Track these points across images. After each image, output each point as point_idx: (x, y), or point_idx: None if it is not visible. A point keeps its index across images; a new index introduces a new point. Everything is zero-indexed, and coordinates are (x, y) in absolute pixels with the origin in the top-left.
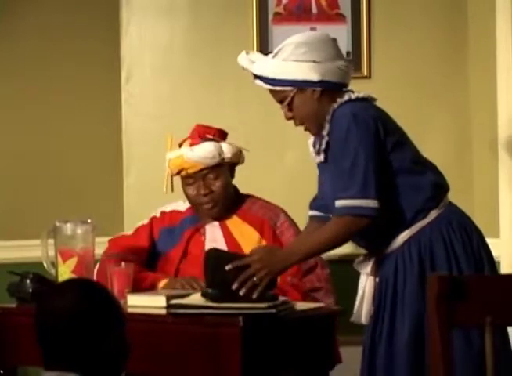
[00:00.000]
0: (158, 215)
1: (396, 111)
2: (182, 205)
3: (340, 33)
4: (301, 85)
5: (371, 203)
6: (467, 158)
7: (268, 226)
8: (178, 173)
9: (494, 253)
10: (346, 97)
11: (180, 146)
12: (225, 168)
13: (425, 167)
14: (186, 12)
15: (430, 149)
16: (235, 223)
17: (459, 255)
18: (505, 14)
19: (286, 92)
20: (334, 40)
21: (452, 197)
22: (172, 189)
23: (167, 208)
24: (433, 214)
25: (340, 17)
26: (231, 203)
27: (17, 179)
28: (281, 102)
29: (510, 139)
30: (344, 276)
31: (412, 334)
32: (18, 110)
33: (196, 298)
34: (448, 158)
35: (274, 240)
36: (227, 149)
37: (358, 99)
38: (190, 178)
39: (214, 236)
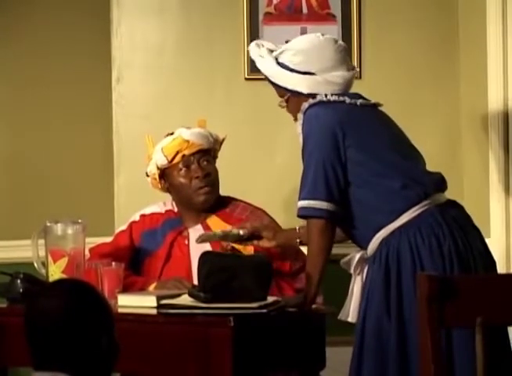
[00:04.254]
0: (137, 218)
1: (387, 111)
2: (163, 207)
3: (331, 33)
4: (292, 94)
5: (318, 204)
6: (458, 158)
7: (263, 220)
8: (172, 160)
9: None
10: (318, 98)
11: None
12: (214, 155)
13: (398, 170)
14: (177, 13)
15: (420, 149)
16: (218, 226)
17: (424, 262)
18: (496, 24)
19: (283, 92)
20: (339, 46)
21: None
22: (165, 186)
23: (147, 211)
24: (404, 218)
25: (330, 17)
26: (215, 203)
27: (7, 180)
28: (279, 95)
29: (500, 138)
30: (333, 275)
31: (376, 337)
32: (8, 112)
33: (186, 298)
34: (439, 158)
35: None
36: (214, 134)
37: (329, 102)
38: (184, 162)
39: None
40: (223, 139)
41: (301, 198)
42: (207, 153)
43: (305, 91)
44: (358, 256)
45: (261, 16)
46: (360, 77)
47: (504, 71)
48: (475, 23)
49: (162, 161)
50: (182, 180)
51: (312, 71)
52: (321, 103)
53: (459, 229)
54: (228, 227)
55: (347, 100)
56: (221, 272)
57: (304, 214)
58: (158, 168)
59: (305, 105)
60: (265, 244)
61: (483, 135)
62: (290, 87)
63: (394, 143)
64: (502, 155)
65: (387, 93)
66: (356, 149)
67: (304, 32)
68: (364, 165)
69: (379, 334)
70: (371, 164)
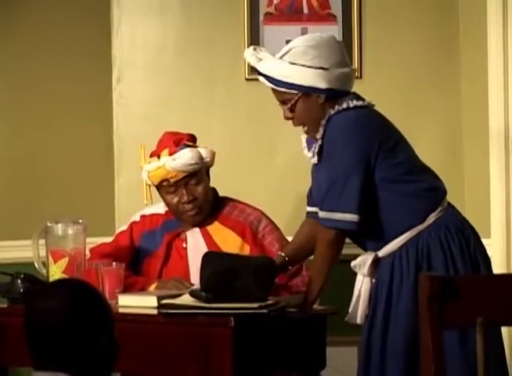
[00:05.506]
0: (138, 219)
1: (387, 111)
2: (163, 208)
3: (331, 33)
4: (307, 91)
5: (348, 217)
6: (458, 159)
7: (249, 231)
8: (159, 184)
9: None
10: (344, 105)
11: (151, 156)
12: (204, 172)
13: (422, 171)
14: (178, 13)
15: (421, 150)
16: (216, 229)
17: (456, 258)
18: (497, 24)
19: (291, 95)
20: (341, 44)
21: None
22: (152, 201)
23: (147, 212)
24: (431, 218)
25: (331, 17)
26: (211, 207)
27: (8, 180)
28: (283, 102)
29: (501, 139)
30: (335, 277)
31: (407, 337)
32: (9, 112)
33: (187, 298)
34: (440, 159)
35: (256, 244)
36: (205, 153)
37: (356, 107)
38: (171, 187)
39: (195, 243)
40: (213, 155)
41: (329, 209)
42: (195, 175)
43: (324, 86)
44: (371, 258)
45: (261, 16)
46: (361, 77)
47: (505, 71)
48: (476, 23)
49: (150, 183)
50: (170, 201)
51: (326, 66)
52: (349, 109)
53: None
54: (226, 231)
55: (370, 105)
56: (224, 273)
57: (332, 226)
58: (147, 183)
59: (331, 111)
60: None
61: (483, 136)
62: (307, 83)
63: (407, 143)
64: (502, 155)
65: (387, 93)
66: (387, 154)
67: (304, 32)
68: (394, 169)
69: (411, 334)
70: (401, 166)
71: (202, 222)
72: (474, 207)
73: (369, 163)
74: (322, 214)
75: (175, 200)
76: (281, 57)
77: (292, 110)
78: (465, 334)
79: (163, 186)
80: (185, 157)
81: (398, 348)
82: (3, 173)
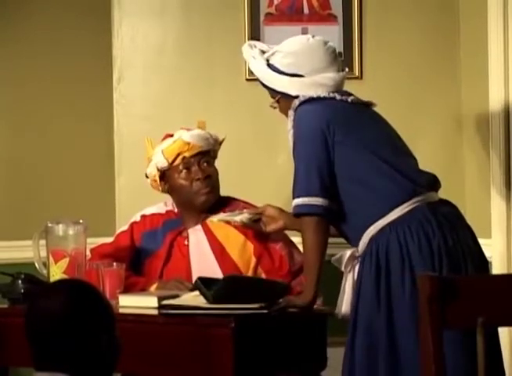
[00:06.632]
0: (138, 219)
1: (388, 111)
2: (163, 208)
3: (332, 33)
4: (281, 95)
5: (313, 200)
6: (458, 158)
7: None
8: (172, 162)
9: (486, 254)
10: (308, 95)
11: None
12: (213, 158)
13: (388, 166)
14: (178, 13)
15: (421, 150)
16: (218, 226)
17: (413, 258)
18: (497, 24)
19: (273, 93)
20: (329, 48)
21: (444, 197)
22: (164, 188)
23: (148, 212)
24: (393, 215)
25: (331, 18)
26: (214, 205)
27: (8, 180)
28: (271, 97)
29: (501, 139)
30: (336, 277)
31: (365, 335)
32: (9, 112)
33: (187, 299)
34: (440, 159)
35: (259, 241)
36: (214, 135)
37: (319, 98)
38: (185, 164)
39: (197, 240)
40: (223, 140)
41: (295, 196)
42: (207, 155)
43: (293, 93)
44: (348, 253)
45: (262, 17)
46: (361, 78)
47: (505, 71)
48: (476, 24)
49: (162, 163)
50: (183, 182)
51: (300, 73)
52: (311, 99)
53: (450, 227)
54: (229, 228)
55: (338, 97)
56: (236, 291)
57: (300, 211)
58: (158, 169)
59: (296, 102)
60: (270, 226)
61: (484, 136)
62: (278, 89)
63: (385, 141)
64: (503, 156)
65: (387, 93)
66: (346, 145)
67: (305, 32)
68: (354, 161)
69: (370, 332)
70: (361, 160)
71: (205, 218)
72: (475, 207)
73: (326, 150)
74: (293, 203)
75: (189, 178)
76: (268, 57)
77: (278, 105)
78: (461, 334)
79: (174, 167)
80: (200, 132)
81: (359, 348)
82: (3, 173)
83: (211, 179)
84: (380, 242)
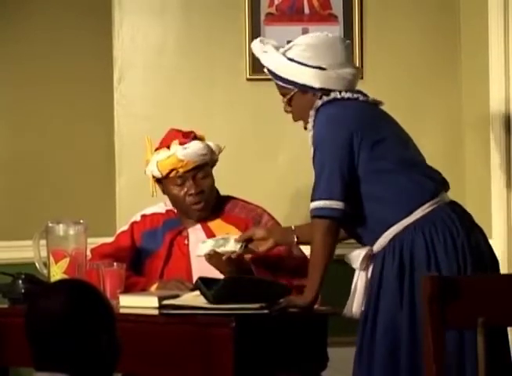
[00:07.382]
0: (138, 218)
1: (388, 111)
2: (163, 207)
3: (332, 33)
4: (301, 88)
5: (334, 204)
6: (459, 158)
7: (252, 226)
8: (167, 175)
9: None
10: (332, 95)
11: (157, 149)
12: (210, 167)
13: (411, 166)
14: (178, 14)
15: (421, 150)
16: (218, 225)
17: (439, 256)
18: (498, 25)
19: (288, 90)
20: (347, 45)
21: None
22: (156, 194)
23: (148, 211)
24: (417, 213)
25: (332, 18)
26: (214, 205)
27: (9, 180)
28: (282, 95)
29: (502, 139)
30: (337, 276)
31: (387, 334)
32: (10, 112)
33: (188, 299)
34: (441, 158)
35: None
36: (214, 146)
37: (343, 99)
38: (179, 178)
39: (197, 239)
40: (222, 149)
41: (316, 198)
42: (202, 169)
43: (318, 85)
44: (364, 252)
45: (262, 17)
46: (362, 78)
47: (506, 71)
48: (477, 24)
49: (157, 174)
50: (177, 194)
51: (323, 66)
52: (335, 100)
53: (470, 227)
54: (229, 227)
55: (361, 97)
56: (236, 291)
57: (319, 214)
58: (154, 177)
59: (319, 102)
60: (262, 247)
61: (485, 136)
62: (300, 81)
63: (405, 140)
64: (504, 156)
65: (388, 93)
66: (372, 146)
67: (305, 32)
68: (379, 162)
69: (392, 329)
70: (386, 160)
71: (206, 218)
72: (476, 207)
73: (351, 154)
74: (311, 205)
75: (182, 192)
76: (284, 52)
77: (290, 104)
78: (463, 334)
79: (170, 178)
80: (196, 147)
81: (379, 346)
82: (4, 173)
83: (204, 194)
84: (405, 240)
